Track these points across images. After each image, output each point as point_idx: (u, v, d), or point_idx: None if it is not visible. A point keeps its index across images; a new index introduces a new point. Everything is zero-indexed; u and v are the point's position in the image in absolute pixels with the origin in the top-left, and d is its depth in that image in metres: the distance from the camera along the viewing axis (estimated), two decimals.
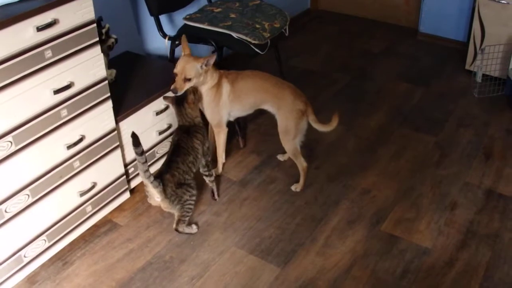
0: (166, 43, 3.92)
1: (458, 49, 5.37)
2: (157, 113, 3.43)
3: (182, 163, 3.12)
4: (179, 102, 3.24)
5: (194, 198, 3.19)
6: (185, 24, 3.92)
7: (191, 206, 3.19)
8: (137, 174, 3.44)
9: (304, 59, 5.23)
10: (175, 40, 3.92)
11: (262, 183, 3.60)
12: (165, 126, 3.53)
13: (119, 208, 3.37)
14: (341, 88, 4.75)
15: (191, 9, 4.17)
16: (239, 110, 3.55)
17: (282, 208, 3.39)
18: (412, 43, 5.67)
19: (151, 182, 2.95)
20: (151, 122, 3.42)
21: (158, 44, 4.15)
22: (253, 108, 3.55)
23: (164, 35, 3.91)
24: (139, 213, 3.35)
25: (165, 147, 3.59)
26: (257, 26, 3.78)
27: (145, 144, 3.42)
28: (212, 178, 3.47)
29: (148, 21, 4.01)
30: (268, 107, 3.48)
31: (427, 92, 4.30)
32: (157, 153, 3.55)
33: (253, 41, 3.65)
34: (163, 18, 4.08)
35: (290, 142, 3.43)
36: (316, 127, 3.47)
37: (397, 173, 3.73)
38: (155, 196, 3.06)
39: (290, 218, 3.31)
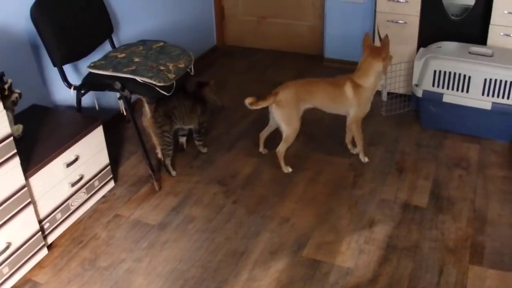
0: (72, 93, 3.89)
1: None
2: (68, 165, 3.39)
3: (173, 106, 3.94)
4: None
5: (170, 138, 3.94)
6: (90, 72, 3.90)
7: (170, 140, 3.94)
8: (54, 229, 3.38)
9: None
10: (80, 89, 3.89)
11: (181, 223, 3.58)
12: (77, 177, 3.49)
13: (38, 265, 3.29)
14: (253, 121, 4.79)
15: (96, 57, 4.14)
16: None
17: (203, 246, 3.37)
18: (319, 70, 5.77)
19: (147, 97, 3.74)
20: (62, 175, 3.38)
21: (65, 94, 4.11)
22: None
23: (69, 85, 3.87)
24: (59, 268, 3.28)
25: (79, 199, 3.55)
26: (162, 68, 3.78)
27: (58, 198, 3.38)
28: (201, 142, 4.30)
29: (53, 72, 3.95)
30: None
31: (337, 116, 4.37)
32: (71, 205, 3.50)
33: (158, 84, 3.64)
34: (68, 67, 4.04)
35: None
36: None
37: (314, 198, 3.77)
38: (147, 112, 3.81)
39: (212, 255, 3.30)
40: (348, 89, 3.90)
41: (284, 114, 3.89)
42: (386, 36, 3.89)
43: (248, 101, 3.83)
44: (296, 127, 3.94)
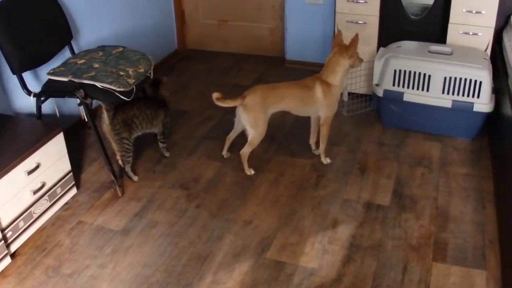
0: (32, 100, 3.86)
1: None
2: (29, 173, 3.36)
3: (134, 115, 3.92)
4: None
5: (130, 144, 3.90)
6: (49, 79, 3.87)
7: (129, 147, 3.90)
8: (17, 237, 3.35)
9: (176, 99, 5.20)
10: (40, 97, 3.86)
11: (145, 228, 3.56)
12: (39, 185, 3.46)
13: (2, 274, 3.25)
14: (215, 124, 4.79)
15: (55, 63, 4.11)
16: None
17: (166, 251, 3.36)
18: (281, 71, 5.80)
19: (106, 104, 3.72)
20: (23, 183, 3.35)
21: (26, 102, 4.06)
22: None
23: (29, 93, 3.84)
24: (24, 276, 3.25)
25: (42, 206, 3.52)
26: (121, 73, 3.77)
27: (20, 206, 3.35)
28: (165, 145, 4.29)
29: (13, 79, 3.92)
30: None
31: (299, 117, 4.39)
32: (34, 213, 3.47)
33: (118, 89, 3.62)
34: (27, 74, 4.00)
35: None
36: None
37: (276, 200, 3.78)
38: (105, 119, 3.77)
39: (176, 259, 3.29)
40: (318, 89, 3.92)
41: (251, 118, 3.89)
42: (356, 34, 3.92)
43: (215, 95, 3.82)
44: (262, 131, 3.94)
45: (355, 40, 3.91)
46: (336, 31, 4.82)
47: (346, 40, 3.96)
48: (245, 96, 3.86)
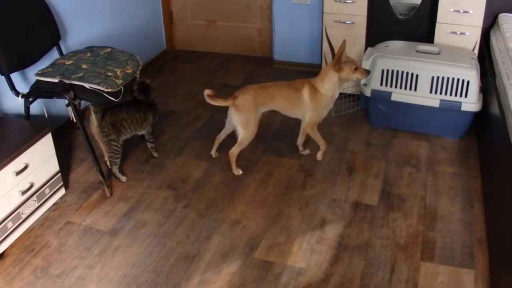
0: (20, 101, 3.85)
1: (313, 72, 5.43)
2: (17, 173, 3.35)
3: (123, 118, 3.92)
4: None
5: (118, 146, 3.91)
6: (38, 80, 3.86)
7: (117, 149, 3.92)
8: (5, 238, 3.34)
9: (164, 100, 5.24)
10: (28, 97, 3.85)
11: (133, 229, 3.56)
12: (27, 185, 3.45)
13: None
14: (203, 124, 4.80)
15: (43, 64, 4.11)
16: None
17: (154, 251, 3.36)
18: (269, 72, 5.81)
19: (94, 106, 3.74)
20: (11, 183, 3.34)
21: (14, 103, 4.06)
22: None
23: (17, 93, 3.83)
24: (12, 277, 3.24)
25: (30, 207, 3.52)
26: (109, 74, 3.77)
27: (8, 207, 3.33)
28: (153, 145, 4.29)
29: (1, 80, 3.90)
30: None
31: (287, 118, 4.40)
32: (22, 213, 3.47)
33: (106, 90, 3.62)
34: (15, 75, 3.99)
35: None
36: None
37: (265, 200, 3.78)
38: (94, 121, 3.79)
39: (164, 260, 3.29)
40: (306, 92, 3.94)
41: (242, 118, 3.90)
42: (342, 45, 3.88)
43: (207, 92, 3.83)
44: (253, 131, 3.95)
45: (339, 53, 3.88)
46: (324, 31, 4.83)
47: (338, 40, 3.96)
48: (237, 97, 3.87)
